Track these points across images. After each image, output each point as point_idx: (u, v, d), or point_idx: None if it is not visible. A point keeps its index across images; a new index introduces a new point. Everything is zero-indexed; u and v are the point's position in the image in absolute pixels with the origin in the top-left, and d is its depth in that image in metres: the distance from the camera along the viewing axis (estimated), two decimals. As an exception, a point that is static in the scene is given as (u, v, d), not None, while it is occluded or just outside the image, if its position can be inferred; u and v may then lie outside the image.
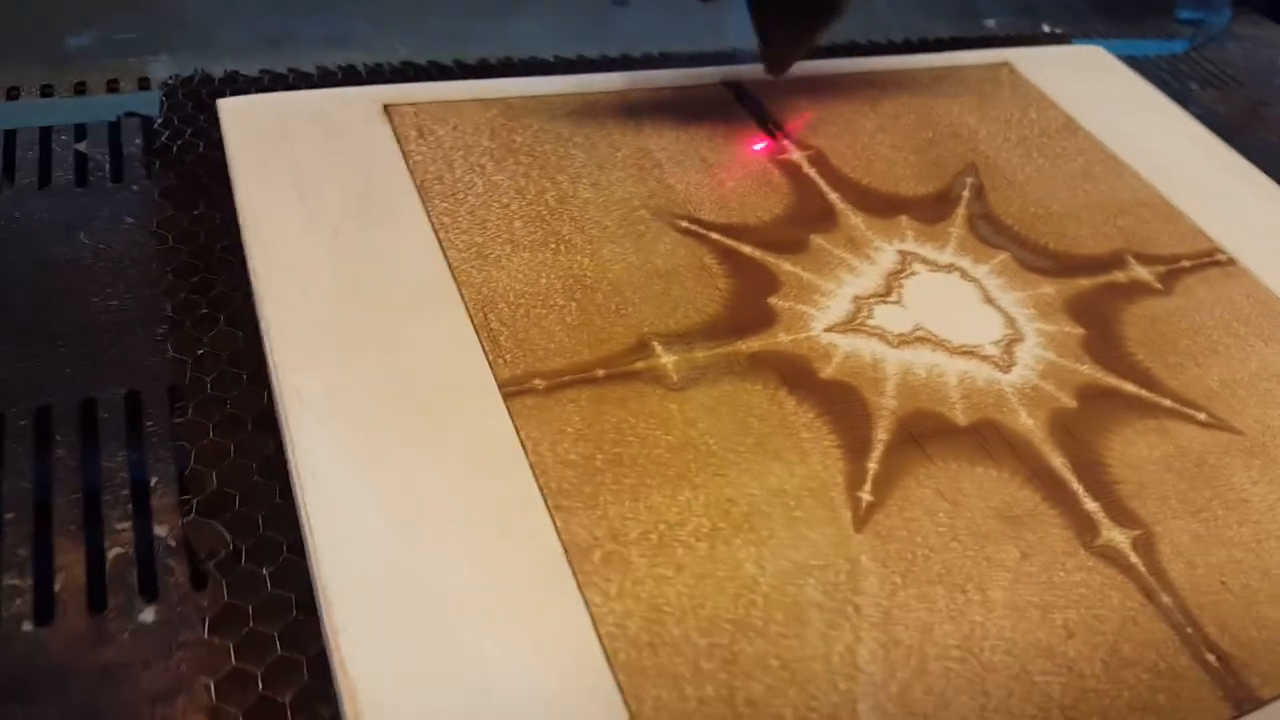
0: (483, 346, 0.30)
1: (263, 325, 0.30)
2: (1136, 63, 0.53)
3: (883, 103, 0.45)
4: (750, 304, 0.34)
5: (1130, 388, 0.33)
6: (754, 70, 0.42)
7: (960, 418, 0.31)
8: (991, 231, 0.39)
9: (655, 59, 0.48)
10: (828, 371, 0.32)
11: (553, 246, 0.34)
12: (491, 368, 0.29)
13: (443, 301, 0.31)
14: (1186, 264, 0.39)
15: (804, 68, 0.44)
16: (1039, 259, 0.38)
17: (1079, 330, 0.35)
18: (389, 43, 0.48)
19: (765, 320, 0.33)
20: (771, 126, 0.42)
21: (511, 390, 0.29)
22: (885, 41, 0.52)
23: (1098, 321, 0.35)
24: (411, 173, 0.36)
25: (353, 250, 0.33)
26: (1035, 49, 0.52)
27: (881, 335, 0.33)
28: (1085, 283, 0.37)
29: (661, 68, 0.45)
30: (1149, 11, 0.64)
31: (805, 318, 0.33)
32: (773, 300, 0.34)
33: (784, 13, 0.38)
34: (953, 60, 0.49)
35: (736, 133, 0.41)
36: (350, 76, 0.43)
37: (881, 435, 0.30)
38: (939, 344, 0.33)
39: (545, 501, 0.26)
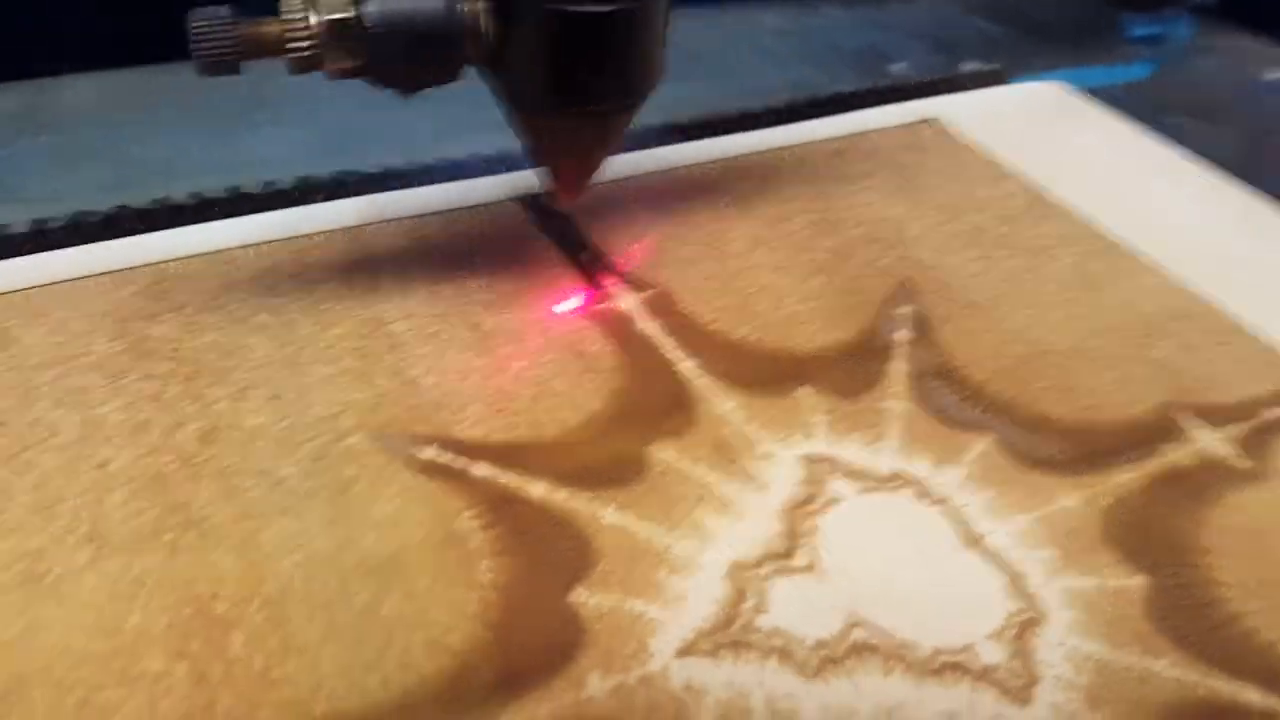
0: None
1: None
2: (1091, 98, 0.39)
3: (757, 202, 0.29)
4: (536, 613, 0.18)
5: (1254, 696, 0.18)
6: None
7: None
8: (955, 399, 0.23)
9: (428, 171, 0.32)
10: (681, 768, 0.16)
11: (169, 538, 0.19)
12: None
13: None
14: (1274, 412, 0.24)
15: (638, 160, 0.30)
16: (1042, 440, 0.22)
17: (1138, 579, 0.19)
18: (48, 187, 0.32)
19: (565, 646, 0.17)
20: (588, 259, 0.27)
21: None
22: (760, 109, 0.36)
23: (1166, 553, 0.20)
24: (-54, 420, 0.21)
25: None
26: (964, 95, 0.38)
27: (784, 651, 0.17)
28: (1127, 477, 0.22)
29: (446, 179, 0.30)
30: (1089, 33, 0.50)
31: (639, 628, 0.18)
32: (579, 596, 0.18)
33: (560, 102, 0.22)
34: (853, 125, 0.34)
35: (533, 276, 0.26)
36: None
37: None
38: (895, 655, 0.18)
39: None
